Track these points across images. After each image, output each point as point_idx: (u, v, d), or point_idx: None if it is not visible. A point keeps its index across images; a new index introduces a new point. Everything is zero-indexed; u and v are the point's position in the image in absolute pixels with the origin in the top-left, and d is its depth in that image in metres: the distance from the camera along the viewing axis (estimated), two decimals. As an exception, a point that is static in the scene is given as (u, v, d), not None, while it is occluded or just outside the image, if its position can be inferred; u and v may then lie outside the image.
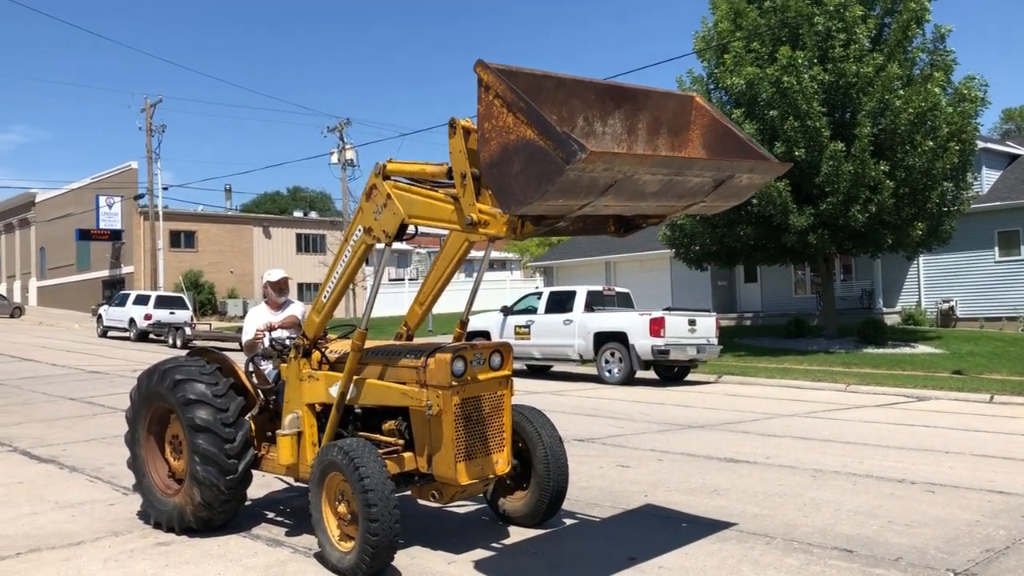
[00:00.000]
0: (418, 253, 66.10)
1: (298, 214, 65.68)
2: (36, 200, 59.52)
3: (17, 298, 58.44)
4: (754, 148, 4.57)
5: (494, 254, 75.54)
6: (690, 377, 18.99)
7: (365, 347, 5.54)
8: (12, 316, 47.61)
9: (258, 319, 6.89)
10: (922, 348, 22.87)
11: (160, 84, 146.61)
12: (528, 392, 14.52)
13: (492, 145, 3.85)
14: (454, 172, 4.48)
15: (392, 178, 5.05)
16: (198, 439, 5.79)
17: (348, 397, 5.53)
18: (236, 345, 27.05)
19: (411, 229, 5.03)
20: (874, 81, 20.61)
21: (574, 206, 3.92)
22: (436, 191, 4.82)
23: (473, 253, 6.42)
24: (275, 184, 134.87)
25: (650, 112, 4.68)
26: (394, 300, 48.65)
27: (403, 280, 58.96)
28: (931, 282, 29.03)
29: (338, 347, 5.93)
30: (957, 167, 21.69)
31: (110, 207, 50.46)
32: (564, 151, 3.48)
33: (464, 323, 6.36)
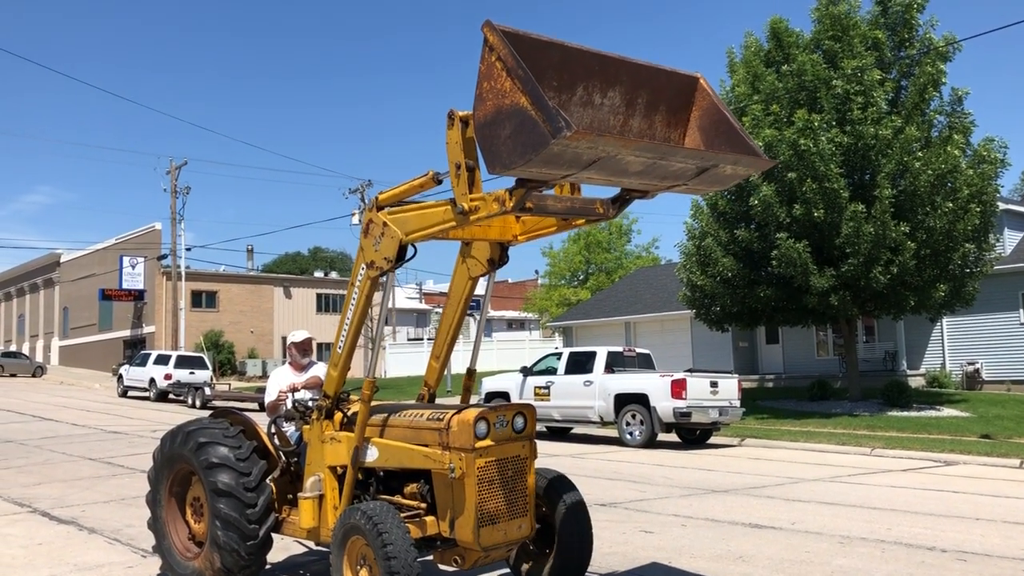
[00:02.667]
0: (436, 313, 66.26)
1: (318, 274, 66.13)
2: (61, 260, 60.35)
3: (40, 357, 58.88)
4: (744, 140, 4.58)
5: (512, 314, 75.07)
6: (712, 440, 18.75)
7: (387, 407, 5.52)
8: (34, 375, 47.91)
9: (281, 380, 6.89)
10: (948, 411, 22.52)
11: (185, 146, 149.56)
12: (548, 455, 14.37)
13: (488, 105, 3.94)
14: (449, 162, 4.57)
15: (386, 207, 5.23)
16: (219, 503, 5.75)
17: (370, 459, 5.49)
18: (255, 405, 27.08)
19: (410, 251, 5.20)
20: (893, 143, 20.69)
21: (556, 175, 4.04)
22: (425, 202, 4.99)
23: (482, 293, 6.34)
24: (296, 245, 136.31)
25: (651, 88, 4.69)
26: (414, 360, 48.68)
27: (422, 340, 59.04)
28: (955, 344, 28.70)
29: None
30: (979, 228, 21.60)
31: (133, 267, 51.06)
32: (552, 125, 3.57)
33: (471, 372, 6.22)
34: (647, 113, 4.67)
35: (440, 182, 4.96)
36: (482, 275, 5.84)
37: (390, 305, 60.68)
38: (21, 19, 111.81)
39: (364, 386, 5.42)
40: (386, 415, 5.67)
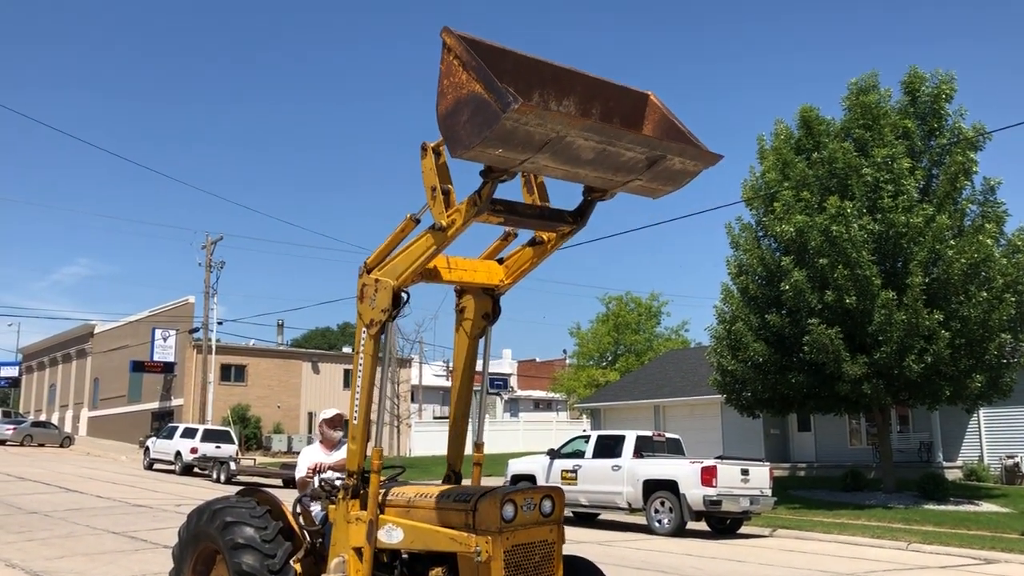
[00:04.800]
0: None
1: (347, 350, 66.32)
2: (94, 331, 61.11)
3: (68, 427, 59.15)
4: (690, 136, 4.77)
5: (539, 394, 74.49)
6: (743, 529, 18.30)
7: (412, 487, 5.46)
8: (62, 446, 48.09)
9: (310, 459, 6.88)
10: (987, 506, 21.85)
11: (220, 221, 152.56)
12: (574, 541, 14.04)
13: (448, 99, 4.24)
14: (425, 188, 4.95)
15: (375, 268, 5.51)
16: (243, 586, 5.67)
17: (395, 540, 5.41)
18: (279, 482, 26.92)
19: (403, 297, 5.42)
20: (924, 231, 20.64)
21: (514, 159, 4.27)
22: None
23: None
24: (326, 320, 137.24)
25: (605, 101, 4.93)
26: (440, 439, 48.20)
27: (446, 419, 58.66)
28: (993, 436, 27.99)
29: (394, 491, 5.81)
30: (1015, 318, 21.33)
31: (165, 340, 51.55)
32: (502, 101, 3.87)
33: (479, 445, 6.15)
34: (601, 122, 4.82)
35: (418, 221, 5.28)
36: (480, 334, 5.98)
37: (416, 382, 60.61)
38: (63, 96, 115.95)
39: (372, 455, 5.41)
40: (411, 495, 5.61)
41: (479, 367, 6.14)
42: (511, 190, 4.86)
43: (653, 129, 4.97)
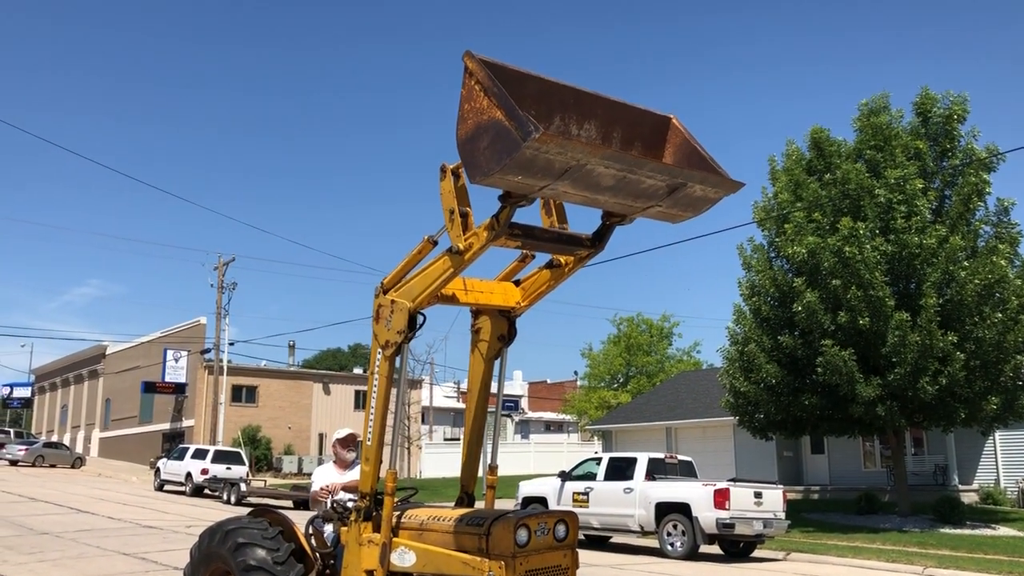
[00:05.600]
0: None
1: (358, 371, 66.32)
2: (106, 352, 61.32)
3: (80, 448, 59.23)
4: (712, 163, 4.72)
5: (550, 415, 74.39)
6: (757, 553, 18.11)
7: (425, 510, 5.42)
8: (73, 467, 48.10)
9: (323, 479, 6.86)
10: (1004, 530, 21.58)
11: (232, 243, 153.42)
12: (587, 564, 13.93)
13: (468, 123, 4.24)
14: (443, 210, 4.92)
15: (391, 289, 5.48)
16: (254, 607, 5.64)
17: (407, 564, 5.37)
18: (289, 503, 26.86)
19: (420, 319, 5.39)
20: (938, 252, 20.54)
21: (533, 185, 4.25)
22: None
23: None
24: (338, 341, 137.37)
25: (627, 125, 4.89)
26: (451, 460, 48.05)
27: (459, 440, 58.49)
28: (1010, 459, 27.70)
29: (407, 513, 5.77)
30: (1030, 340, 21.15)
31: (176, 361, 51.67)
32: (523, 130, 3.85)
33: (493, 468, 6.13)
34: (623, 147, 4.85)
35: (436, 243, 5.27)
36: (495, 356, 5.95)
37: (426, 404, 60.49)
38: (75, 118, 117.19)
39: (387, 478, 5.38)
40: (424, 518, 5.58)
41: (494, 388, 6.12)
42: (530, 211, 4.86)
43: (674, 153, 4.95)
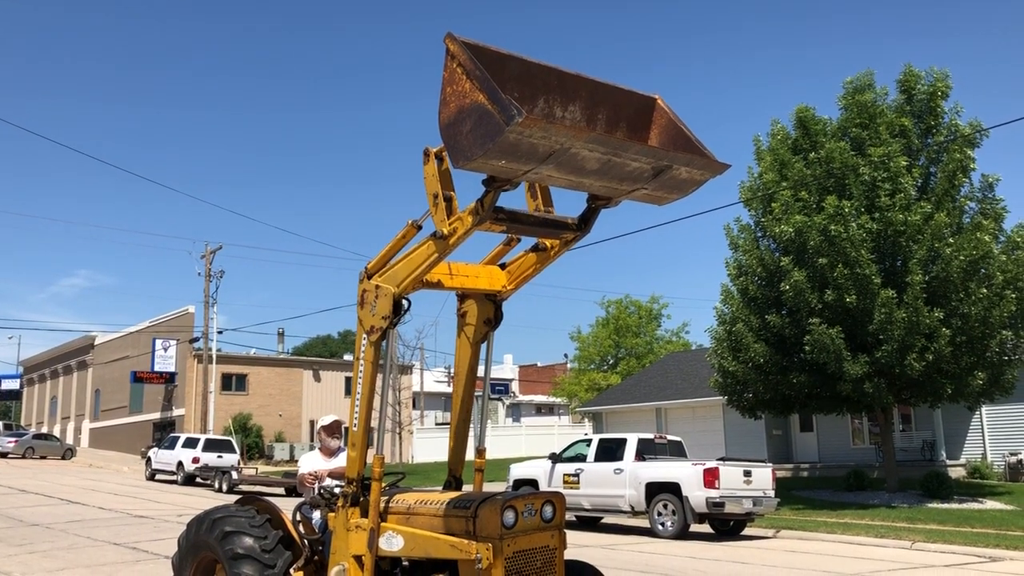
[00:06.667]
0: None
1: (348, 357, 66.27)
2: (95, 343, 61.08)
3: (70, 439, 59.08)
4: (698, 145, 4.70)
5: (540, 398, 74.54)
6: (747, 531, 18.24)
7: (412, 493, 5.43)
8: (64, 458, 48.02)
9: (309, 465, 6.87)
10: (991, 504, 21.79)
11: (219, 231, 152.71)
12: (577, 545, 14.00)
13: (450, 107, 4.18)
14: (427, 195, 4.89)
15: (375, 274, 5.45)
16: (243, 596, 5.64)
17: (395, 548, 5.38)
18: (282, 491, 26.87)
19: (404, 304, 5.37)
20: (923, 229, 20.62)
21: (517, 169, 4.20)
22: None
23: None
24: (327, 328, 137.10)
25: (612, 106, 4.85)
26: (442, 445, 48.16)
27: (448, 425, 58.59)
28: (996, 434, 27.95)
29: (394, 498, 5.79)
30: (1015, 315, 21.29)
31: (165, 350, 51.53)
32: (505, 114, 3.81)
33: (481, 451, 6.20)
34: (608, 128, 4.82)
35: (420, 227, 5.23)
36: (482, 339, 5.95)
37: (417, 389, 60.53)
38: (61, 107, 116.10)
39: (374, 463, 5.38)
40: (411, 502, 5.59)
41: (481, 372, 6.11)
42: (515, 194, 4.81)
43: (660, 135, 4.92)
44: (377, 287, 5.39)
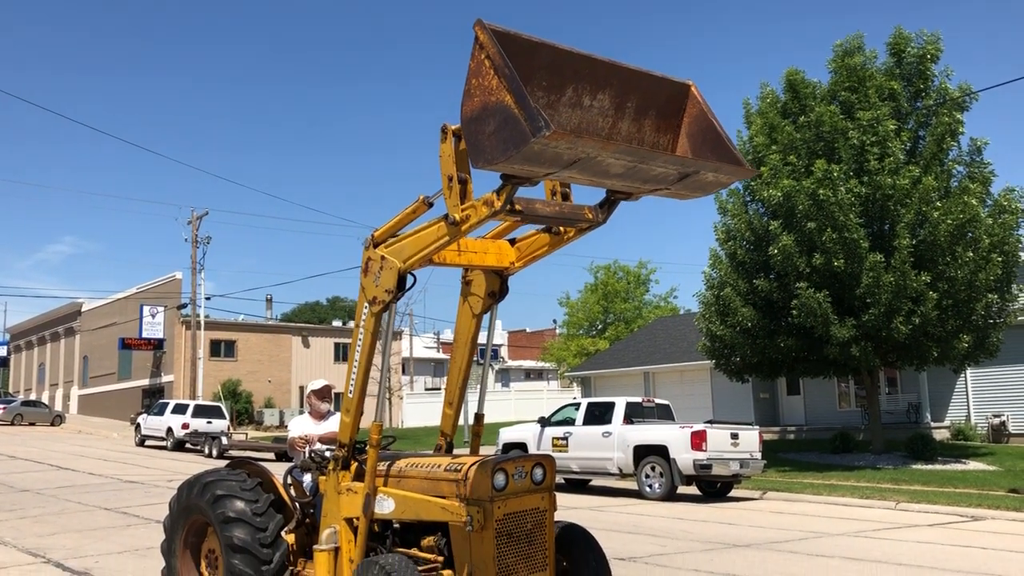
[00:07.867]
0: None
1: (337, 323, 66.27)
2: (82, 309, 60.84)
3: (59, 406, 59.08)
4: (729, 149, 4.59)
5: (530, 363, 74.71)
6: (734, 493, 18.44)
7: (404, 457, 5.45)
8: (52, 424, 48.04)
9: (299, 429, 6.88)
10: (974, 465, 22.09)
11: (206, 196, 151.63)
12: (566, 507, 14.13)
13: (475, 101, 4.02)
14: (442, 175, 4.70)
15: (382, 243, 5.35)
16: (234, 559, 5.67)
17: (387, 511, 5.42)
18: (272, 456, 26.96)
19: (409, 280, 5.30)
20: (911, 193, 20.63)
21: (538, 173, 4.12)
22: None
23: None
24: (315, 294, 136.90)
25: (641, 93, 4.71)
26: (432, 410, 48.38)
27: (439, 389, 58.81)
28: (980, 396, 28.25)
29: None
30: (1001, 279, 21.41)
31: (153, 317, 51.39)
32: (532, 124, 3.66)
33: (479, 417, 6.19)
34: (636, 117, 4.72)
35: (431, 205, 5.10)
36: (484, 311, 5.88)
37: (407, 355, 60.63)
38: (45, 73, 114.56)
39: (372, 430, 5.39)
40: (402, 465, 5.61)
41: (483, 340, 6.08)
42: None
43: (690, 125, 4.77)
44: (383, 258, 5.30)
